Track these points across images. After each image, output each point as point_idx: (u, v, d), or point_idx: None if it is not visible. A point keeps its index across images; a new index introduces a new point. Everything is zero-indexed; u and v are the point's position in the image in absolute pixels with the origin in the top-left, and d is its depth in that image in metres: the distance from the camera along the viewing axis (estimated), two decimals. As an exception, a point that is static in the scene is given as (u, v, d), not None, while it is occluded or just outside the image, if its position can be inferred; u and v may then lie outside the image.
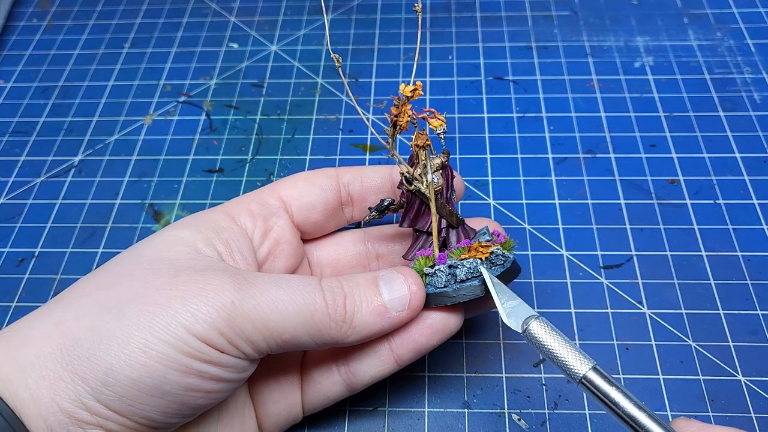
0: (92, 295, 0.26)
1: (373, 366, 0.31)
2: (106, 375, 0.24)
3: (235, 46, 0.55)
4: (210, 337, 0.25)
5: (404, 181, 0.32)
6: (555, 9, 0.56)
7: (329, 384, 0.32)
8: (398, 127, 0.31)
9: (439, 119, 0.32)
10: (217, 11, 0.58)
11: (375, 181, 0.35)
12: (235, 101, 0.50)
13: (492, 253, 0.31)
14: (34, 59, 0.55)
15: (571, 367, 0.26)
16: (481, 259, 0.31)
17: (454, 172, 0.34)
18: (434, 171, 0.32)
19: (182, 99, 0.51)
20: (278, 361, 0.32)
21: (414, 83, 0.31)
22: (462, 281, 0.30)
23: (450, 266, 0.31)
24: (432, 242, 0.32)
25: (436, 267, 0.31)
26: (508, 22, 0.55)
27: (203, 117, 0.49)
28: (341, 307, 0.28)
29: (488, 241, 0.32)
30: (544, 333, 0.27)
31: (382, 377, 0.31)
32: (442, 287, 0.30)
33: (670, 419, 0.33)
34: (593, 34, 0.53)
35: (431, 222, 0.32)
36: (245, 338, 0.26)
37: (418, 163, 0.32)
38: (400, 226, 0.33)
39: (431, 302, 0.31)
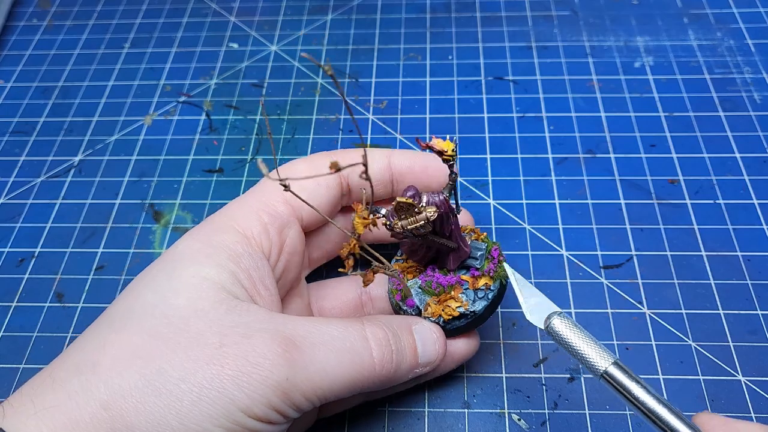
0: (133, 366, 0.24)
1: (395, 388, 0.32)
2: None
3: (235, 46, 0.55)
4: (265, 414, 0.24)
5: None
6: (555, 9, 0.56)
7: (351, 399, 0.32)
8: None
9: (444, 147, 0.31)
10: (217, 11, 0.58)
11: (374, 171, 0.34)
12: (235, 101, 0.50)
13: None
14: (34, 59, 0.55)
15: (593, 362, 0.26)
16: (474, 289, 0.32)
17: (459, 208, 0.33)
18: (417, 225, 0.29)
19: (182, 99, 0.51)
20: None
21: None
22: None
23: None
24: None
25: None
26: (508, 22, 0.55)
27: (203, 117, 0.49)
28: (389, 364, 0.28)
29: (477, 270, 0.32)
30: (566, 329, 0.27)
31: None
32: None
33: (670, 419, 0.33)
34: (593, 34, 0.53)
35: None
36: (296, 407, 0.26)
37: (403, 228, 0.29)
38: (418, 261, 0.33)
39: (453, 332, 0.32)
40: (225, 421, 0.23)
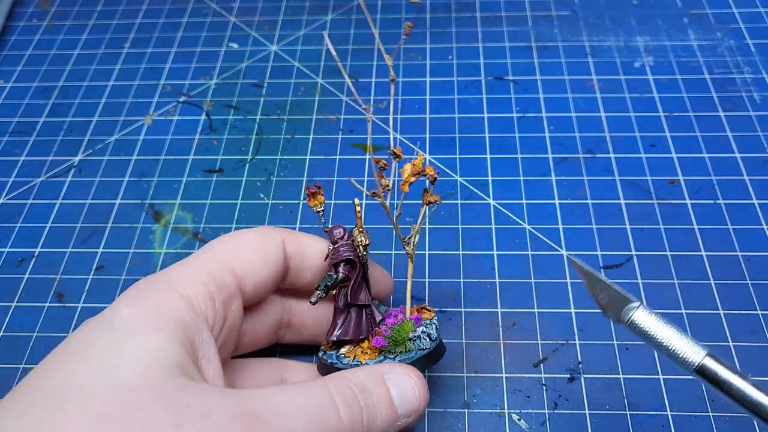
0: None
1: None
2: None
3: (235, 46, 0.55)
4: None
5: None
6: (555, 9, 0.56)
7: None
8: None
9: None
10: (217, 11, 0.58)
11: (316, 257, 0.32)
12: (235, 101, 0.50)
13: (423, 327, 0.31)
14: (34, 59, 0.55)
15: (685, 356, 0.24)
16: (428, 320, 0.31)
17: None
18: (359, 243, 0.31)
19: (182, 99, 0.51)
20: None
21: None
22: (434, 338, 0.31)
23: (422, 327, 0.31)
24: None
25: (419, 328, 0.31)
26: (508, 22, 0.55)
27: (203, 117, 0.49)
28: (359, 424, 0.26)
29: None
30: (651, 323, 0.25)
31: None
32: (426, 348, 0.30)
33: (671, 419, 0.33)
34: (593, 34, 0.53)
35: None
36: None
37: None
38: (342, 305, 0.31)
39: (420, 366, 0.30)
40: None
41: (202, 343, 0.26)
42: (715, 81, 0.49)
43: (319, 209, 0.32)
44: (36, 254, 0.42)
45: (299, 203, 0.44)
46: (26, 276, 0.41)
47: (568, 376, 0.35)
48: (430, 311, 0.32)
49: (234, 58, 0.54)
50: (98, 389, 0.22)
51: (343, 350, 0.31)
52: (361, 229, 0.31)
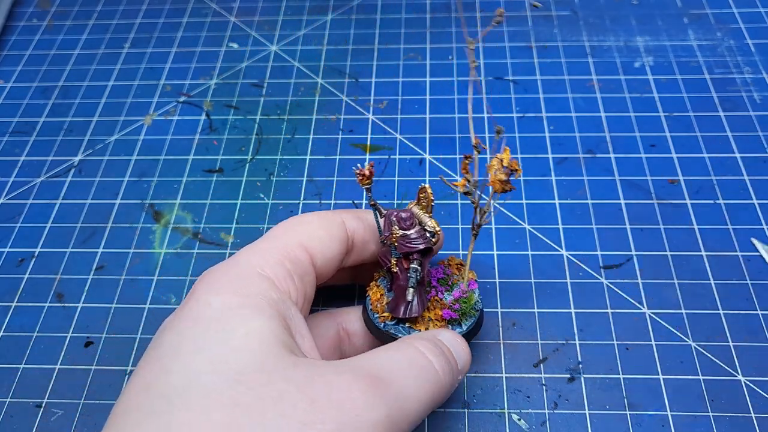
0: None
1: None
2: None
3: (235, 46, 0.55)
4: None
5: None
6: (555, 9, 0.56)
7: None
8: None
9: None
10: (217, 11, 0.58)
11: (375, 233, 0.33)
12: (235, 101, 0.50)
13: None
14: (34, 59, 0.55)
15: None
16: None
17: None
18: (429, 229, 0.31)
19: (182, 99, 0.51)
20: None
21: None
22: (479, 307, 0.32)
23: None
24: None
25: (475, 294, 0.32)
26: (508, 22, 0.55)
27: (203, 117, 0.49)
28: (449, 374, 0.27)
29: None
30: None
31: None
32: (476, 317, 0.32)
33: (670, 419, 0.33)
34: (593, 34, 0.53)
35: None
36: None
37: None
38: (413, 284, 0.31)
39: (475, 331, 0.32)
40: None
41: (293, 319, 0.26)
42: (715, 81, 0.49)
43: (367, 185, 0.31)
44: (36, 254, 0.42)
45: (299, 203, 0.44)
46: (26, 276, 0.41)
47: (568, 376, 0.35)
48: (462, 264, 0.33)
49: (234, 58, 0.54)
50: (222, 381, 0.22)
51: (407, 323, 0.31)
52: (430, 214, 0.31)
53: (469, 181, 0.30)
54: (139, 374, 0.24)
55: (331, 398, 0.22)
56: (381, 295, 0.32)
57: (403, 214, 0.30)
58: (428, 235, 0.31)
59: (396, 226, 0.30)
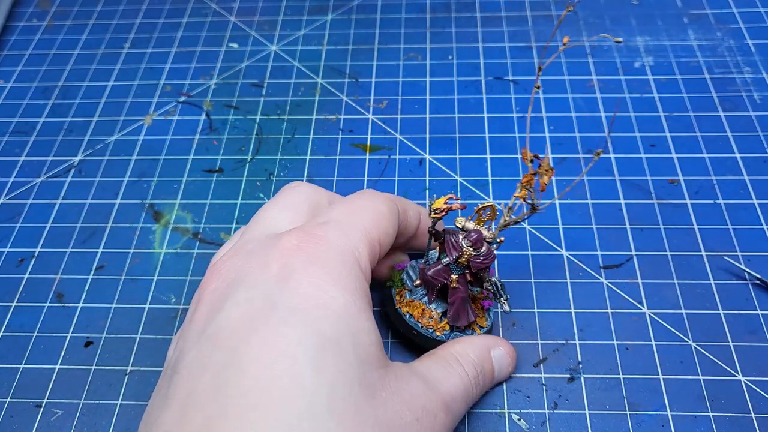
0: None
1: None
2: None
3: (235, 46, 0.55)
4: None
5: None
6: (555, 9, 0.56)
7: None
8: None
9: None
10: (217, 11, 0.58)
11: (426, 221, 0.34)
12: (235, 101, 0.50)
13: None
14: (34, 59, 0.55)
15: None
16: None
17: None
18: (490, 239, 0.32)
19: (182, 99, 0.51)
20: None
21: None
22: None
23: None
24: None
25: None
26: (508, 22, 0.55)
27: (203, 117, 0.49)
28: (480, 389, 0.32)
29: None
30: None
31: None
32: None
33: (670, 419, 0.33)
34: (593, 34, 0.53)
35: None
36: None
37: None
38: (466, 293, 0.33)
39: None
40: None
41: (366, 297, 0.27)
42: (715, 81, 0.49)
43: (440, 217, 0.31)
44: (36, 254, 0.42)
45: (299, 203, 0.44)
46: (26, 276, 0.41)
47: (568, 376, 0.35)
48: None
49: (234, 58, 0.54)
50: (341, 353, 0.24)
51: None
52: (490, 229, 0.32)
53: (530, 194, 0.31)
54: (215, 373, 0.23)
55: (427, 425, 0.26)
56: (423, 309, 0.33)
57: (474, 235, 0.31)
58: (492, 246, 0.32)
59: (469, 248, 0.31)
